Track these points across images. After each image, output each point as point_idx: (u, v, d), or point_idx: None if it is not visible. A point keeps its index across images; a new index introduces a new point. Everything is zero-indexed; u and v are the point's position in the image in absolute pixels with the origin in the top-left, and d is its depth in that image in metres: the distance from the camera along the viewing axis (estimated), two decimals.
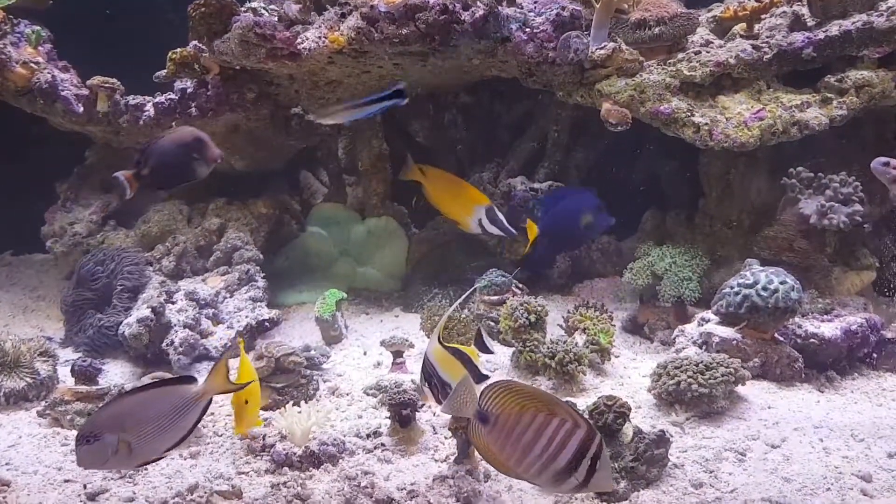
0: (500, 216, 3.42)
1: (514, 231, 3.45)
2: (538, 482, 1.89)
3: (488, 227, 3.42)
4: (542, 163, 4.70)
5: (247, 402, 2.34)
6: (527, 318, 3.27)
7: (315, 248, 4.55)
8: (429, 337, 3.49)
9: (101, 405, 1.94)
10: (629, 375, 3.22)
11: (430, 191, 3.58)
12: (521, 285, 3.86)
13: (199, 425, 2.66)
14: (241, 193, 4.44)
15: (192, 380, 2.01)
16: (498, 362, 3.36)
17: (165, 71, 3.92)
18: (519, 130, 4.87)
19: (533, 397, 1.87)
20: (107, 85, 3.94)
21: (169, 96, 3.96)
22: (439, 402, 2.23)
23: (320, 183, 5.10)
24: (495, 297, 3.69)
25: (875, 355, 3.20)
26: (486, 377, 2.24)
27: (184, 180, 2.84)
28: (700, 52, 3.63)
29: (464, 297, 3.07)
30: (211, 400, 2.02)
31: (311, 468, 2.43)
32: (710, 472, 2.40)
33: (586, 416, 2.00)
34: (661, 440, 2.36)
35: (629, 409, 2.37)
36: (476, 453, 2.42)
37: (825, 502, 2.23)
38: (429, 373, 2.22)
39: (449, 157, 4.90)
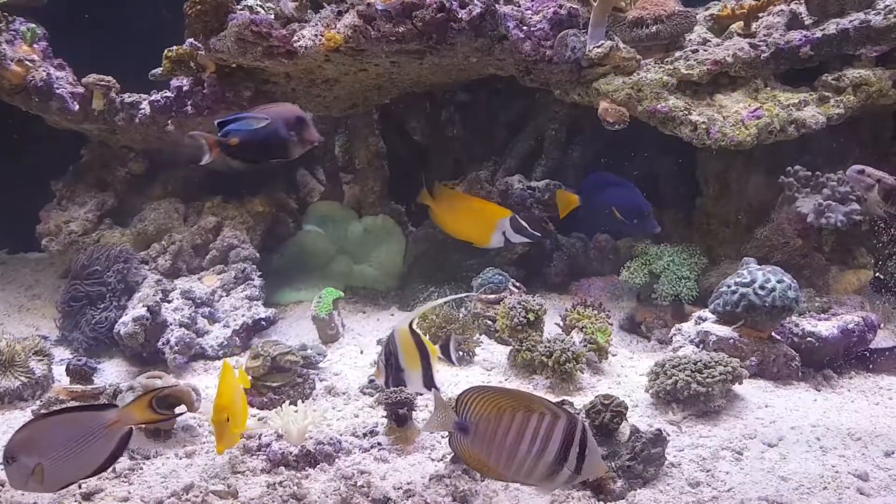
0: (524, 223, 3.41)
1: (540, 234, 3.43)
2: (532, 482, 1.89)
3: (514, 238, 3.41)
4: (540, 161, 4.70)
5: (228, 420, 2.27)
6: (524, 317, 3.27)
7: (312, 247, 4.54)
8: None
9: (19, 427, 1.92)
10: (626, 374, 3.21)
11: (439, 215, 3.58)
12: (517, 284, 3.85)
13: (196, 424, 2.67)
14: (237, 192, 4.43)
15: (113, 407, 1.99)
16: (495, 361, 3.35)
17: (161, 69, 3.91)
18: (516, 129, 4.87)
19: (508, 397, 1.87)
20: (102, 83, 3.93)
21: (165, 94, 3.95)
22: (387, 385, 2.25)
23: (317, 181, 5.08)
24: (492, 296, 3.68)
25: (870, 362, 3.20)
26: (437, 388, 2.21)
27: (274, 157, 2.72)
28: (697, 51, 3.63)
29: (454, 297, 3.04)
30: (131, 430, 1.98)
31: (307, 467, 2.42)
32: (707, 470, 2.40)
33: (565, 407, 1.99)
34: (658, 439, 2.36)
35: (626, 408, 2.37)
36: None
37: (822, 501, 2.23)
38: (390, 352, 2.20)
39: (446, 156, 4.89)
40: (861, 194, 2.57)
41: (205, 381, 3.25)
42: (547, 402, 1.84)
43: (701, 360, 2.80)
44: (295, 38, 3.46)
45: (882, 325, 3.39)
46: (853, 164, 2.65)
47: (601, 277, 4.43)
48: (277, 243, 4.55)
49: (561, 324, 3.52)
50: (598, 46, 3.52)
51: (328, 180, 4.94)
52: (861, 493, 2.27)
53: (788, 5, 3.69)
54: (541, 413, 1.82)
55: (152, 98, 3.97)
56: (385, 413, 2.66)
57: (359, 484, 2.30)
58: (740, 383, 2.83)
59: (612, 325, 3.43)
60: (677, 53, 3.65)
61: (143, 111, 3.96)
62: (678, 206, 4.27)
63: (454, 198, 3.63)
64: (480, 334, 3.54)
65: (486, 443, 1.86)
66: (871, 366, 3.17)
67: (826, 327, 3.13)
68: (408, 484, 2.31)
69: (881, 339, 3.42)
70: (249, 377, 2.94)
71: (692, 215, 4.18)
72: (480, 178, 4.48)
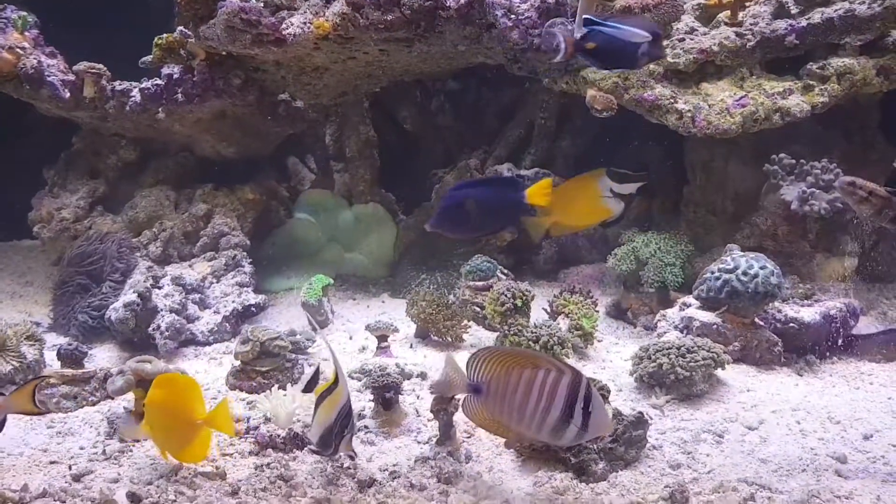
0: (621, 170, 3.31)
1: (645, 173, 3.31)
2: (543, 437, 1.93)
3: (624, 190, 3.24)
4: (529, 149, 4.73)
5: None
6: (513, 303, 3.30)
7: (303, 235, 4.57)
8: (414, 323, 3.52)
9: None
10: (611, 359, 3.25)
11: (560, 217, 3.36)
12: (506, 271, 3.88)
13: None
14: (228, 180, 4.45)
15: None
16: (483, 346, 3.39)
17: (151, 57, 3.92)
18: (507, 117, 4.89)
19: (516, 356, 1.92)
20: (93, 70, 3.94)
21: (155, 82, 3.97)
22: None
23: (308, 169, 5.11)
24: (481, 283, 3.71)
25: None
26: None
27: (621, 66, 2.76)
28: (684, 40, 3.65)
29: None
30: (6, 417, 2.03)
31: (294, 450, 2.45)
32: (688, 453, 2.43)
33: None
34: (640, 422, 2.39)
35: (608, 392, 2.41)
36: (477, 429, 2.45)
37: (800, 483, 2.26)
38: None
39: (436, 144, 4.92)
40: (851, 206, 2.55)
41: (195, 366, 3.29)
42: (552, 359, 1.88)
43: (684, 346, 2.83)
44: (284, 25, 3.48)
45: (865, 312, 3.43)
46: (842, 175, 2.67)
47: (590, 265, 4.46)
48: (268, 231, 4.58)
49: (548, 310, 3.56)
50: None
51: (319, 169, 4.97)
52: (839, 475, 2.30)
53: None
54: (546, 369, 1.87)
55: (143, 86, 3.99)
56: (372, 397, 2.69)
57: (345, 466, 2.33)
58: (723, 368, 2.87)
59: (598, 311, 3.47)
60: (664, 42, 3.67)
61: (133, 99, 3.98)
62: (666, 194, 4.30)
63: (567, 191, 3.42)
64: (469, 321, 3.57)
65: (497, 401, 1.91)
66: (856, 351, 3.21)
67: (808, 313, 3.16)
68: (393, 466, 2.35)
69: (864, 326, 3.47)
70: (238, 363, 2.99)
71: (679, 203, 4.21)
72: (470, 166, 4.51)
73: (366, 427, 2.61)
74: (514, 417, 1.90)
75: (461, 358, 3.20)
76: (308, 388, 2.30)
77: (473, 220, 2.49)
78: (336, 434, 2.11)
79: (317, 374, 2.24)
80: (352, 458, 2.33)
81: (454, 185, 2.66)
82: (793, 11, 3.64)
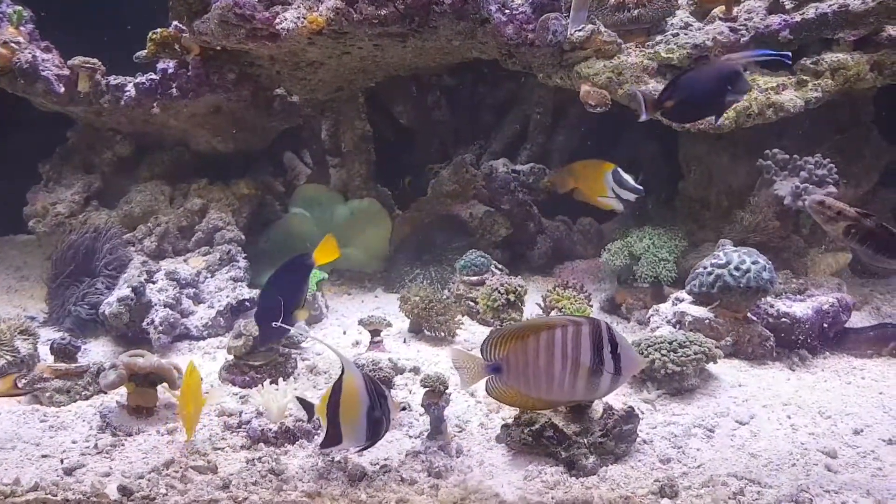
0: (624, 175, 3.38)
1: (641, 188, 3.38)
2: (578, 397, 1.92)
3: (622, 195, 3.36)
4: (525, 144, 4.73)
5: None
6: (505, 298, 3.31)
7: (298, 229, 4.57)
8: (408, 317, 3.53)
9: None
10: None
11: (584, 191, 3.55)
12: (500, 266, 3.89)
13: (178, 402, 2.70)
14: (223, 174, 4.45)
15: None
16: (476, 342, 3.39)
17: (146, 51, 3.92)
18: (502, 113, 4.90)
19: (527, 325, 1.91)
20: (88, 65, 3.95)
21: (150, 77, 3.97)
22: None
23: (304, 164, 5.12)
24: (475, 278, 3.72)
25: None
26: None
27: (709, 115, 2.75)
28: (678, 35, 3.66)
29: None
30: None
31: (286, 444, 2.46)
32: (679, 447, 2.44)
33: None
34: (630, 416, 2.40)
35: None
36: (468, 423, 2.46)
37: (790, 477, 2.26)
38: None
39: (432, 139, 4.92)
40: (821, 225, 2.56)
41: (189, 360, 3.28)
42: (564, 317, 1.86)
43: (676, 340, 2.84)
44: (278, 20, 3.47)
45: (858, 307, 3.44)
46: (814, 194, 2.68)
47: (584, 260, 4.47)
48: (263, 226, 4.58)
49: (542, 305, 3.56)
50: (580, 30, 3.55)
51: (315, 163, 4.97)
52: (829, 470, 2.31)
53: None
54: (563, 326, 1.84)
55: (138, 81, 3.99)
56: None
57: (336, 459, 2.34)
58: (715, 362, 2.87)
59: (591, 306, 3.47)
60: (658, 37, 3.68)
61: (128, 94, 3.98)
62: (661, 189, 4.31)
63: (584, 168, 3.55)
64: (463, 315, 3.58)
65: (521, 374, 1.88)
66: (846, 346, 3.22)
67: (801, 308, 3.17)
68: (384, 460, 2.35)
69: (858, 321, 3.48)
70: (231, 357, 2.99)
71: (674, 198, 4.21)
72: (466, 161, 4.51)
73: None
74: (542, 384, 1.87)
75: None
76: (310, 416, 2.29)
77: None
78: (383, 409, 2.12)
79: (304, 402, 2.22)
80: (404, 408, 2.49)
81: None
82: (787, 7, 3.64)
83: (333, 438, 2.13)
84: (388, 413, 2.15)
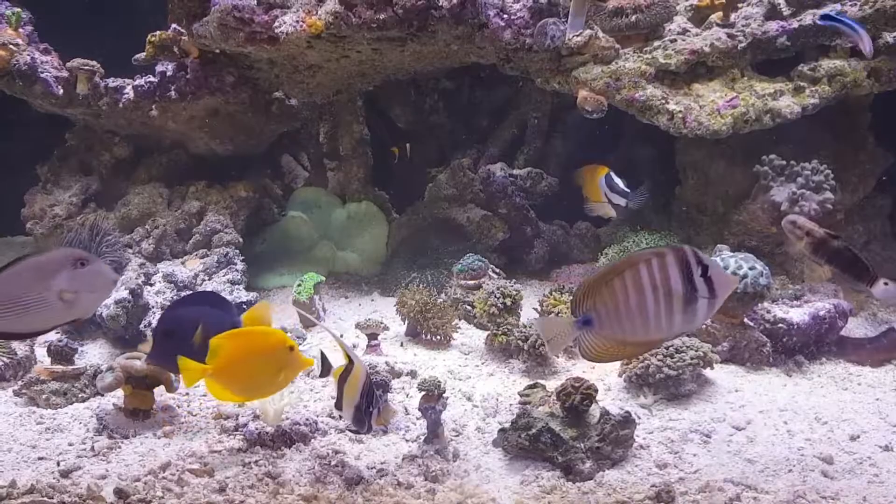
0: (616, 179, 3.39)
1: (630, 193, 3.38)
2: (676, 330, 1.84)
3: (613, 199, 3.38)
4: (522, 149, 4.74)
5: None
6: (502, 302, 3.31)
7: (296, 232, 4.58)
8: (405, 321, 3.53)
9: None
10: None
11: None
12: (497, 270, 3.89)
13: (175, 405, 2.72)
14: (221, 177, 4.45)
15: None
16: (473, 345, 3.40)
17: (144, 54, 3.92)
18: (500, 117, 4.91)
19: (609, 271, 1.83)
20: (86, 67, 3.95)
21: (149, 79, 3.97)
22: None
23: (301, 167, 5.12)
24: (472, 282, 3.72)
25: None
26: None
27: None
28: (676, 40, 3.66)
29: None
30: None
31: (282, 447, 2.46)
32: (675, 452, 2.44)
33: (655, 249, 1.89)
34: (627, 421, 2.41)
35: (595, 391, 2.41)
36: (465, 427, 2.46)
37: (787, 483, 2.27)
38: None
39: (430, 143, 4.93)
40: (793, 242, 2.61)
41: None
42: (644, 251, 1.81)
43: (672, 345, 2.84)
44: (277, 24, 3.48)
45: (854, 312, 3.45)
46: (790, 214, 2.71)
47: (581, 264, 4.48)
48: (261, 228, 4.59)
49: (539, 309, 3.56)
50: (578, 35, 3.56)
51: (312, 166, 4.98)
52: (825, 476, 2.31)
53: None
54: (646, 261, 1.79)
55: (136, 83, 3.99)
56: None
57: (333, 463, 2.34)
58: (711, 368, 2.88)
59: None
60: (656, 43, 3.68)
61: (127, 96, 3.98)
62: (657, 194, 4.31)
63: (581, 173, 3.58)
64: (460, 319, 3.59)
65: (613, 320, 1.82)
66: (847, 353, 3.22)
67: (797, 314, 3.18)
68: (381, 464, 2.36)
69: (853, 327, 3.49)
70: None
71: (671, 203, 4.22)
72: (463, 165, 4.52)
73: None
74: (638, 325, 1.79)
75: (452, 356, 3.25)
76: (325, 373, 2.29)
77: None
78: (365, 411, 2.16)
79: (325, 358, 2.22)
80: (385, 431, 2.48)
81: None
82: (785, 13, 3.65)
83: (339, 402, 2.19)
84: (371, 419, 2.18)
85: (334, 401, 2.24)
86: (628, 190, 3.38)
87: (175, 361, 2.31)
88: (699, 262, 1.78)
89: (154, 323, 3.39)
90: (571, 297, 1.90)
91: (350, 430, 2.51)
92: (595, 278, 1.87)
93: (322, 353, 2.27)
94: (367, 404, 2.16)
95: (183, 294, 3.68)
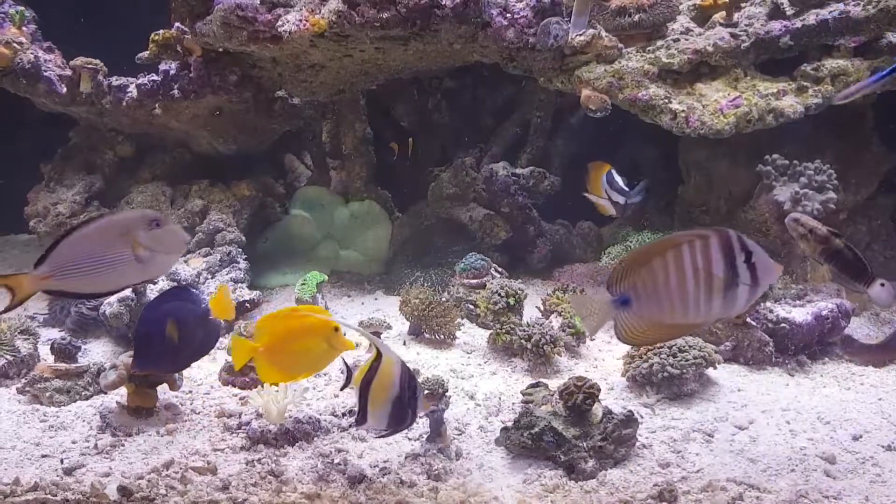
0: (616, 177, 3.40)
1: (628, 193, 3.39)
2: (715, 314, 1.80)
3: (613, 196, 3.39)
4: (525, 148, 4.74)
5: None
6: (505, 301, 3.31)
7: (298, 231, 4.59)
8: (408, 320, 3.53)
9: None
10: (604, 358, 3.26)
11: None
12: (500, 269, 3.90)
13: (178, 403, 2.72)
14: (224, 176, 4.46)
15: None
16: (475, 344, 3.40)
17: (147, 52, 3.93)
18: (502, 116, 4.91)
19: (650, 250, 1.79)
20: (90, 66, 3.96)
21: (152, 78, 3.98)
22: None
23: (304, 166, 5.12)
24: (474, 281, 3.73)
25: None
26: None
27: None
28: (679, 40, 3.66)
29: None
30: None
31: (285, 445, 2.47)
32: (678, 452, 2.45)
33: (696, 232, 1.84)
34: (630, 421, 2.41)
35: (598, 390, 2.41)
36: (467, 426, 2.46)
37: (789, 483, 2.27)
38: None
39: (433, 142, 4.93)
40: (797, 241, 2.61)
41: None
42: (688, 232, 1.76)
43: (675, 345, 2.84)
44: (280, 23, 3.48)
45: (857, 313, 3.45)
46: (793, 213, 2.71)
47: (584, 264, 4.47)
48: (264, 227, 4.59)
49: (541, 308, 3.57)
50: (581, 34, 3.56)
51: (315, 165, 4.98)
52: (828, 476, 2.32)
53: None
54: (689, 242, 1.74)
55: (139, 81, 3.99)
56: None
57: (336, 462, 2.35)
58: (714, 367, 2.88)
59: None
60: (659, 42, 3.68)
61: (130, 94, 3.99)
62: (660, 193, 4.31)
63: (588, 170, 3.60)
64: (462, 318, 3.59)
65: (652, 300, 1.77)
66: (852, 353, 3.23)
67: (800, 314, 3.18)
68: (384, 462, 2.36)
69: (856, 327, 3.49)
70: (230, 358, 2.99)
71: (674, 203, 4.22)
72: (466, 164, 4.52)
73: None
74: (676, 307, 1.75)
75: (455, 355, 3.25)
76: (347, 384, 2.27)
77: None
78: (409, 401, 2.11)
79: (349, 368, 2.22)
80: (433, 412, 2.41)
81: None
82: (788, 13, 3.65)
83: (362, 417, 2.13)
84: (415, 408, 2.14)
85: (355, 415, 2.18)
86: (627, 189, 3.39)
87: (161, 364, 2.42)
88: (743, 246, 1.75)
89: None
90: (609, 275, 1.82)
91: (382, 435, 2.33)
92: (634, 256, 1.83)
93: (346, 364, 2.25)
94: (410, 394, 2.11)
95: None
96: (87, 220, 2.02)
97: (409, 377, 2.13)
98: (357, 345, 3.43)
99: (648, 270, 1.78)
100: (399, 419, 2.13)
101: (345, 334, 2.18)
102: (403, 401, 2.11)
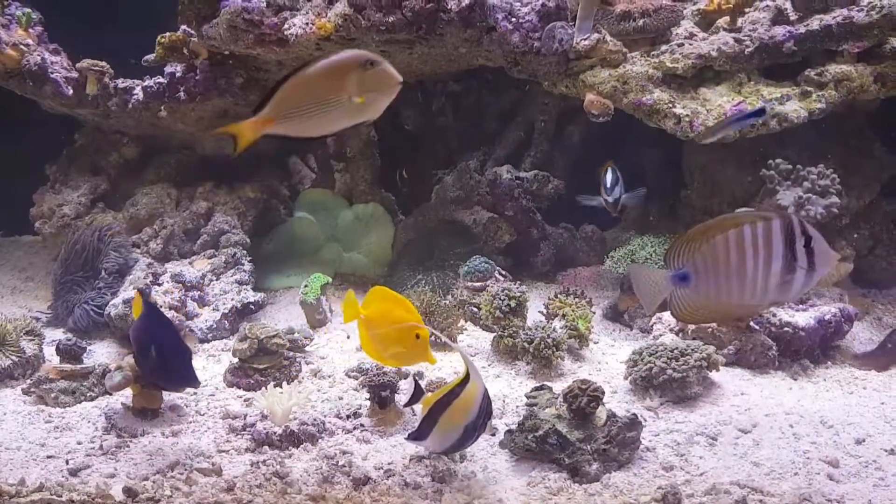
0: (608, 178, 3.45)
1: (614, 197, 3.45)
2: (771, 297, 1.80)
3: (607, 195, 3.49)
4: (529, 151, 4.75)
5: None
6: (507, 304, 3.32)
7: (302, 233, 4.60)
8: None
9: None
10: (607, 361, 3.27)
11: None
12: (503, 272, 3.90)
13: (183, 404, 2.73)
14: (229, 178, 4.47)
15: None
16: (479, 347, 3.41)
17: (154, 55, 3.94)
18: (507, 119, 4.92)
19: (712, 226, 1.79)
20: (96, 68, 3.98)
21: (158, 80, 3.99)
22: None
23: (309, 169, 5.14)
24: (478, 284, 3.73)
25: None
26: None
27: None
28: (683, 45, 3.67)
29: None
30: None
31: (290, 447, 2.47)
32: (681, 455, 2.45)
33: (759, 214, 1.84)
34: (634, 424, 2.41)
35: (602, 393, 2.42)
36: None
37: (792, 486, 2.27)
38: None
39: (437, 145, 4.95)
40: None
41: (193, 362, 3.30)
42: (750, 214, 1.78)
43: (678, 348, 2.85)
44: (286, 26, 3.49)
45: (860, 317, 3.45)
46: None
47: (587, 267, 4.48)
48: (268, 229, 4.60)
49: (544, 311, 3.57)
50: (586, 39, 3.57)
51: (320, 168, 5.00)
52: (831, 479, 2.32)
53: (774, 1, 3.72)
54: (751, 223, 1.74)
55: (145, 84, 4.01)
56: (368, 395, 2.72)
57: (340, 463, 2.35)
58: (717, 370, 2.88)
59: (594, 312, 3.48)
60: (663, 47, 3.69)
61: (136, 97, 4.00)
62: (664, 197, 4.32)
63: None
64: (466, 321, 3.60)
65: (712, 278, 1.77)
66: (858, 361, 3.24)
67: (803, 318, 3.18)
68: (388, 464, 2.37)
69: (859, 331, 3.49)
70: (235, 360, 3.01)
71: (677, 207, 4.22)
72: (470, 167, 4.53)
73: (361, 425, 2.63)
74: (734, 287, 1.76)
75: (459, 357, 3.26)
76: (414, 401, 2.22)
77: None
78: (480, 426, 2.12)
79: (418, 385, 2.21)
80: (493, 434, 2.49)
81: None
82: (791, 18, 3.65)
83: (421, 434, 2.12)
84: (482, 433, 2.17)
85: (414, 432, 2.15)
86: (609, 188, 3.46)
87: (162, 377, 2.47)
88: (804, 232, 1.75)
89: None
90: (667, 249, 1.83)
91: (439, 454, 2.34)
92: (696, 232, 1.82)
93: (415, 380, 2.24)
94: (484, 419, 2.13)
95: (190, 294, 3.70)
96: (305, 63, 2.01)
97: (487, 404, 2.14)
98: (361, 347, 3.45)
99: (710, 249, 1.78)
100: (460, 444, 2.15)
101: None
102: (475, 428, 2.12)
